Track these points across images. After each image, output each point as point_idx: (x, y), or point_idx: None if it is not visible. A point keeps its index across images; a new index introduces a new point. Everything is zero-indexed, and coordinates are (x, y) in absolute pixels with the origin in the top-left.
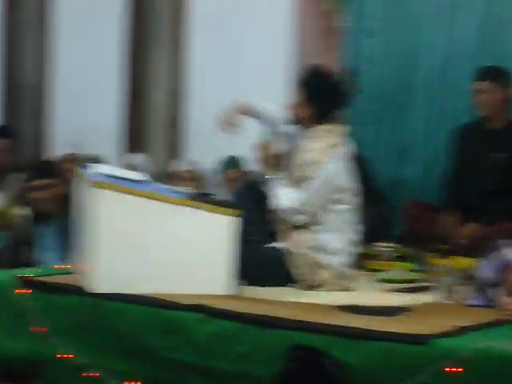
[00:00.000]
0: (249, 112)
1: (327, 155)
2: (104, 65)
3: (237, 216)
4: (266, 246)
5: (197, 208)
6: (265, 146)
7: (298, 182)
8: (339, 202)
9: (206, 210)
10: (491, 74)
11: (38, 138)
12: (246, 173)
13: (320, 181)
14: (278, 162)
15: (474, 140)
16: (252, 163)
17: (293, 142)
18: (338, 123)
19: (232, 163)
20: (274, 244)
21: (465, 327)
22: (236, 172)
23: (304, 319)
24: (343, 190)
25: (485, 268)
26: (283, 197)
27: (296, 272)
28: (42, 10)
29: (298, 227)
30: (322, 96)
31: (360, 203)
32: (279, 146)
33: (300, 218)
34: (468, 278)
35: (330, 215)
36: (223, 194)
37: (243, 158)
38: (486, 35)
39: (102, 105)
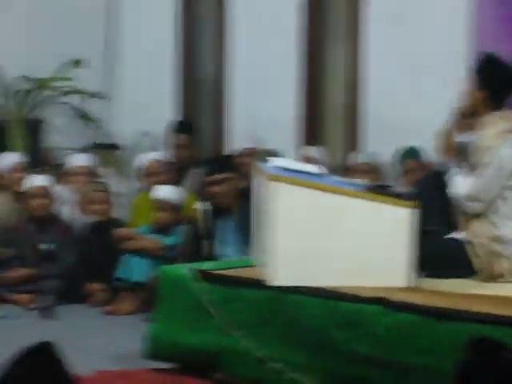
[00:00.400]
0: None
1: (500, 141)
2: (281, 58)
3: (416, 208)
4: (446, 236)
5: (374, 200)
6: (446, 135)
7: (473, 168)
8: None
9: (384, 203)
10: None
11: (217, 132)
12: (425, 163)
13: (493, 167)
14: (459, 150)
15: None
16: (432, 153)
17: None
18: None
19: (411, 153)
20: (454, 234)
21: None
22: (416, 162)
23: (486, 311)
24: None
25: None
26: (460, 184)
27: (476, 263)
28: (219, 4)
29: (477, 216)
30: (496, 83)
31: None
32: (461, 134)
33: (476, 206)
34: None
35: (508, 203)
36: (402, 185)
37: (423, 148)
38: None
39: (280, 98)
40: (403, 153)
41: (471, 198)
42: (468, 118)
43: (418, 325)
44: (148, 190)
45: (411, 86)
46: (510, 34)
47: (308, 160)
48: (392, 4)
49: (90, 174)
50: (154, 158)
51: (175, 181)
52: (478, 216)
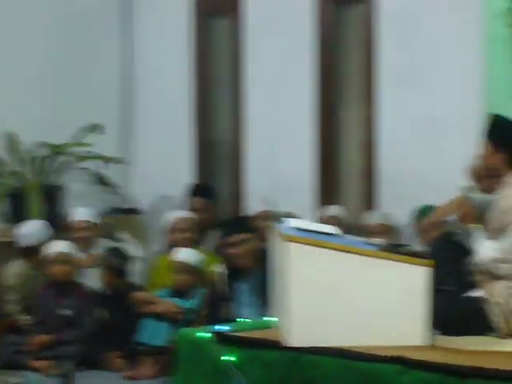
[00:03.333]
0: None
1: None
2: (296, 118)
3: (431, 266)
4: (462, 295)
5: (390, 259)
6: (463, 201)
7: (498, 231)
8: None
9: (401, 261)
10: None
11: (235, 194)
12: (441, 222)
13: None
14: (477, 215)
15: None
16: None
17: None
18: None
19: (427, 212)
20: (470, 293)
21: None
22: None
23: (508, 368)
24: None
25: None
26: (485, 248)
27: (494, 321)
28: (235, 67)
29: (497, 277)
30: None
31: None
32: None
33: (504, 268)
34: None
35: None
36: (418, 244)
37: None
38: None
39: (295, 159)
40: (418, 212)
41: (499, 261)
42: (488, 179)
43: (439, 383)
44: (168, 251)
45: (424, 147)
46: None
47: (324, 220)
48: (403, 67)
49: (92, 228)
50: (182, 215)
51: (194, 243)
52: (497, 276)
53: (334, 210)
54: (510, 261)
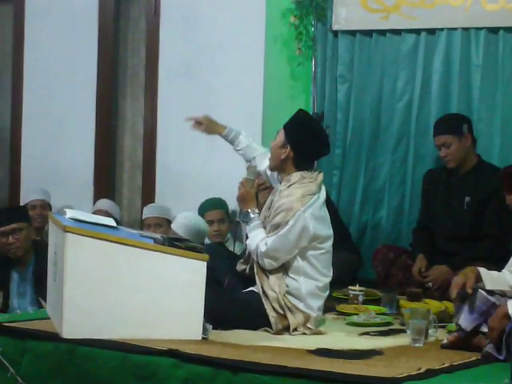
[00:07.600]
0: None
1: (303, 203)
2: (76, 109)
3: (206, 261)
4: (239, 290)
5: (167, 253)
6: (245, 184)
7: (271, 225)
8: (313, 248)
9: (176, 255)
10: (449, 126)
11: (12, 183)
12: (229, 214)
13: (293, 228)
14: (257, 200)
15: (441, 185)
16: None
17: (271, 183)
18: (315, 170)
19: (214, 205)
20: (248, 288)
21: (437, 370)
22: (220, 213)
23: (276, 363)
24: (317, 238)
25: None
26: (254, 239)
27: (269, 316)
28: (16, 54)
29: (275, 271)
30: (302, 142)
31: (332, 247)
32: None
33: (273, 263)
34: (443, 320)
35: (302, 260)
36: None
37: (223, 200)
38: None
39: (74, 149)
40: (205, 205)
41: (268, 255)
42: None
43: (211, 377)
44: None
45: (204, 143)
46: (298, 92)
47: (102, 212)
48: (185, 62)
49: None
50: None
51: None
52: (275, 270)
53: (110, 203)
54: (272, 257)
